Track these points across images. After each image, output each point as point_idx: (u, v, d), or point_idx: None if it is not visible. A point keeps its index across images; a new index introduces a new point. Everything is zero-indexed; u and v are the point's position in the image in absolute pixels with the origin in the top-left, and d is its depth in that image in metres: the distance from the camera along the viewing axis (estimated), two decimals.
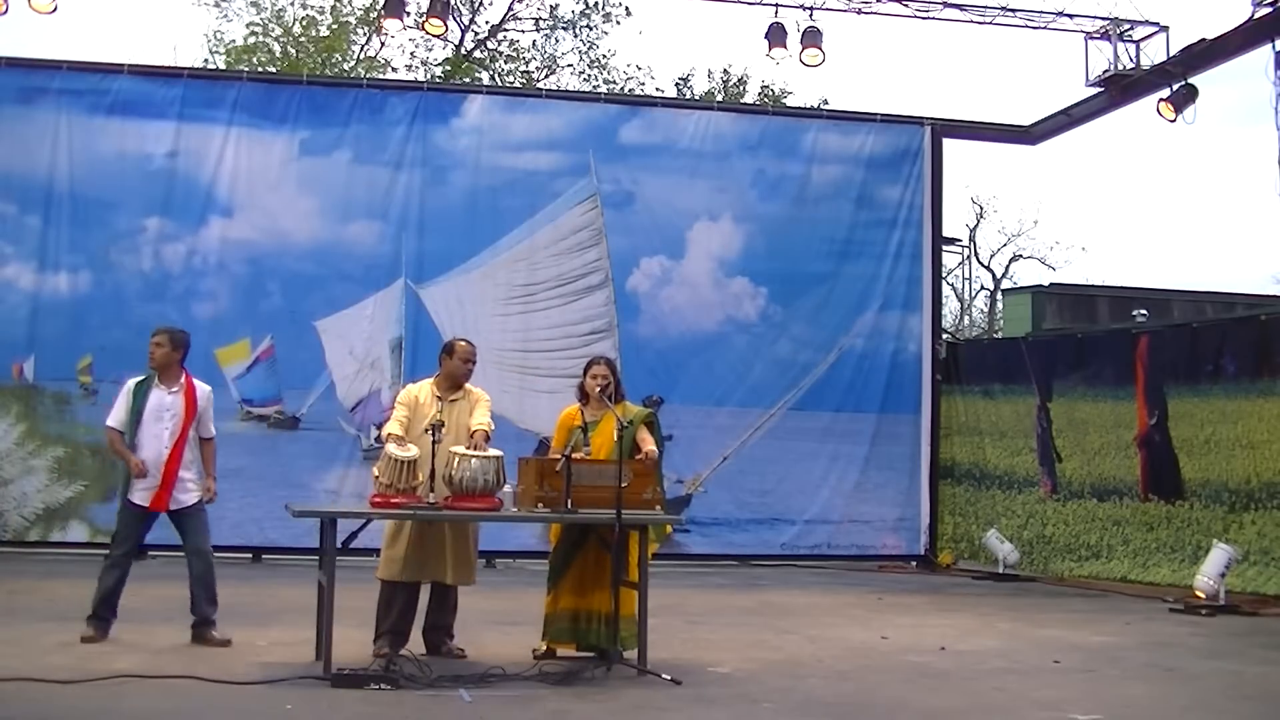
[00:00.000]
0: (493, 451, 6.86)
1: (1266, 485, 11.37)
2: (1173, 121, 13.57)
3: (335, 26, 24.29)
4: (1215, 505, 11.78)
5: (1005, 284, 35.47)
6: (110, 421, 7.58)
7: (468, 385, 7.42)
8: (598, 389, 7.26)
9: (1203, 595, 10.43)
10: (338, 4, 24.29)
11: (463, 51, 25.87)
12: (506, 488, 6.92)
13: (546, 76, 26.25)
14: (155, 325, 12.55)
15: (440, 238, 13.52)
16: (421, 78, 23.52)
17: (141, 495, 7.46)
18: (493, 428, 7.19)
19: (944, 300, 16.54)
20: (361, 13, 24.30)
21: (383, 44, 24.76)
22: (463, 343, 7.52)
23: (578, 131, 14.05)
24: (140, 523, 7.55)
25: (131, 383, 7.60)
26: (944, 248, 16.47)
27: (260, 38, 24.12)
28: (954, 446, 14.60)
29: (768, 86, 28.32)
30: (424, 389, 7.39)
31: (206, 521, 7.69)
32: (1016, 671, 7.36)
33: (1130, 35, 13.87)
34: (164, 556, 12.47)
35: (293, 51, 23.84)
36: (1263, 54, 12.53)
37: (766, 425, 14.00)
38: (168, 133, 13.05)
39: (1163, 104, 13.60)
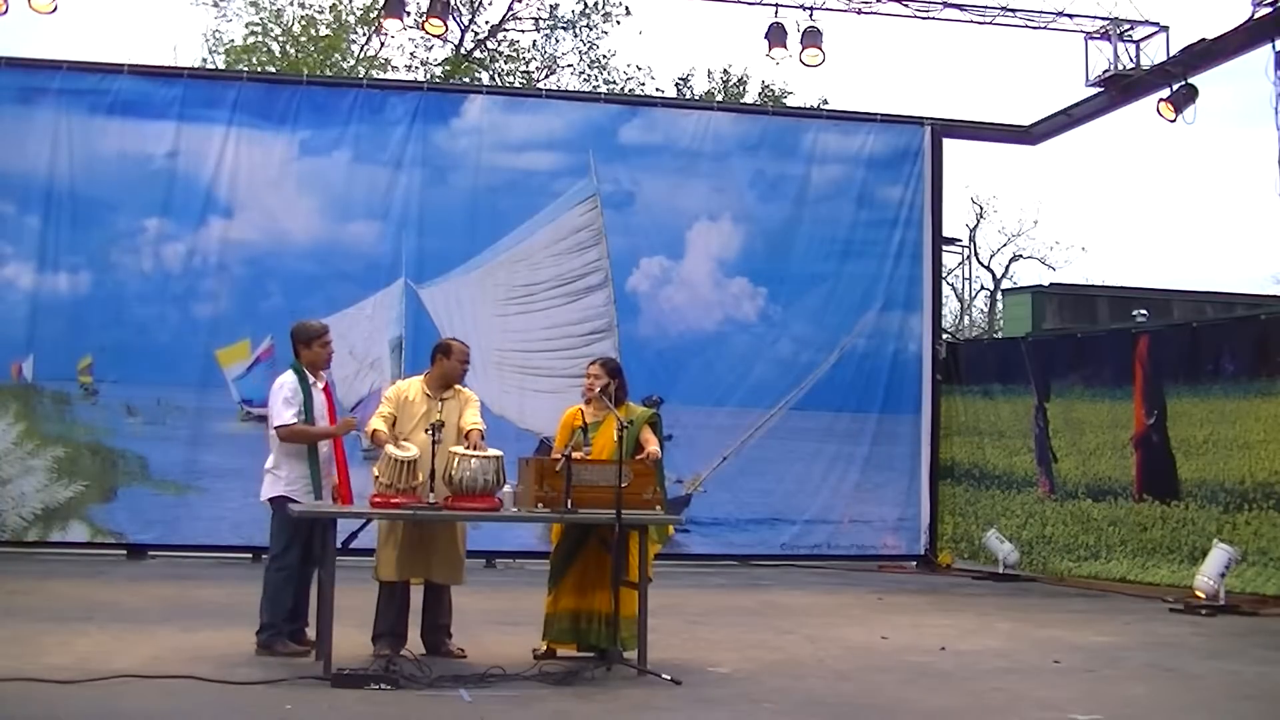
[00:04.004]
0: (492, 451, 6.87)
1: (1261, 485, 11.35)
2: (1173, 121, 13.56)
3: (335, 26, 24.29)
4: (1211, 506, 11.76)
5: (1005, 284, 35.49)
6: (290, 419, 7.20)
7: (456, 385, 7.43)
8: (597, 389, 7.26)
9: (1203, 595, 10.42)
10: (338, 4, 24.32)
11: (463, 51, 25.87)
12: (506, 488, 6.92)
13: (546, 76, 26.26)
14: (153, 325, 12.83)
15: (440, 238, 13.52)
16: (421, 78, 23.53)
17: (300, 494, 7.17)
18: (484, 427, 7.22)
19: (944, 300, 16.53)
20: (361, 13, 24.33)
21: (383, 44, 24.80)
22: (458, 343, 7.54)
23: (578, 131, 14.05)
24: (305, 523, 7.01)
25: (293, 379, 7.31)
26: (944, 248, 16.46)
27: (260, 38, 24.12)
28: (954, 446, 14.59)
29: (768, 86, 28.32)
30: (414, 387, 7.39)
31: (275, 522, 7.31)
32: (1016, 671, 7.36)
33: (1130, 35, 13.86)
34: (164, 557, 12.55)
35: (292, 51, 23.84)
36: (1263, 54, 12.54)
37: (767, 425, 14.00)
38: (168, 133, 13.04)
39: (1163, 104, 13.59)
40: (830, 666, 7.38)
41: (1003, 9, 13.74)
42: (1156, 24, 13.77)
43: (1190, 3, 16.77)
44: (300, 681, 6.25)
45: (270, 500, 7.25)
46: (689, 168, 14.19)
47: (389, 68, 24.76)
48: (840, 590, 11.88)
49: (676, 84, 29.05)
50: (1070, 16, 13.80)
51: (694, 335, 14.06)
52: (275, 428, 7.25)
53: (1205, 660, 7.97)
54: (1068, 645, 8.37)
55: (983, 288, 36.36)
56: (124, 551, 12.57)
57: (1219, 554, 10.50)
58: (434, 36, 16.88)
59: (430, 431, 6.76)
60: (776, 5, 13.45)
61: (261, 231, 13.23)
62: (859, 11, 13.66)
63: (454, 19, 23.21)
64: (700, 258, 14.13)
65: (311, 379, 7.41)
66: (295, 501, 7.10)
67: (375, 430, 7.12)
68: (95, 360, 12.73)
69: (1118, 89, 14.19)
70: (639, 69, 27.20)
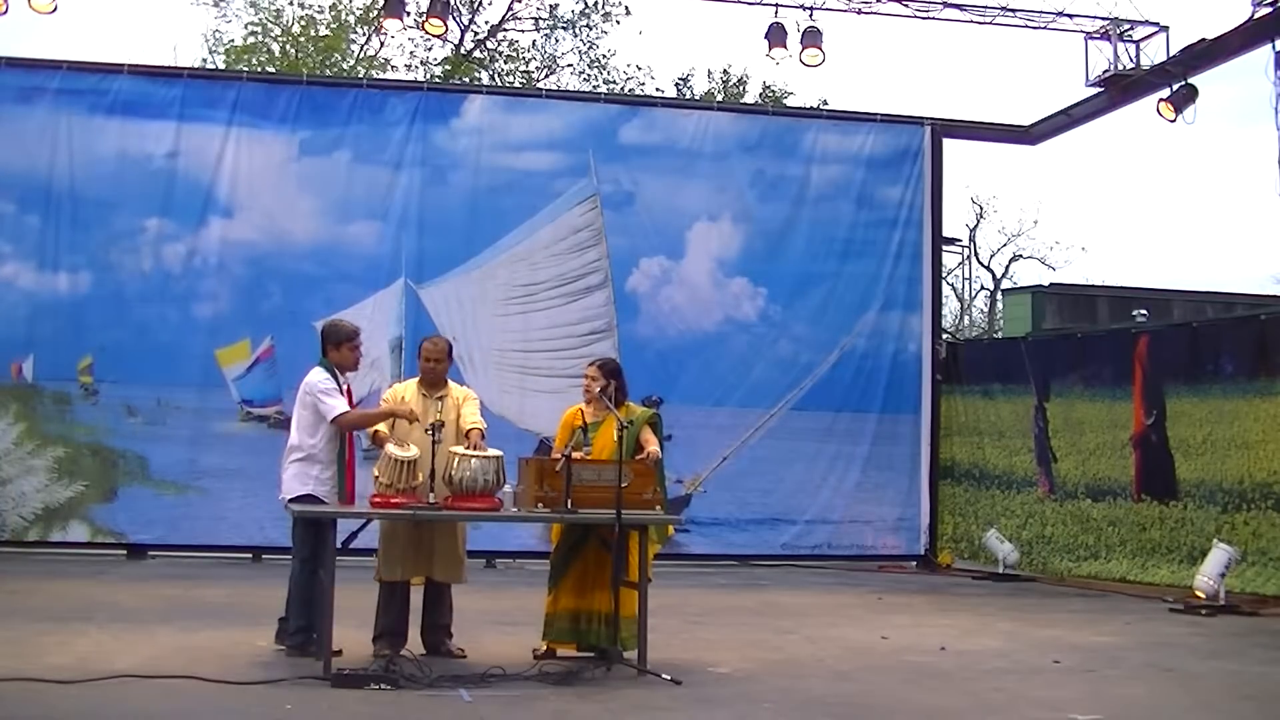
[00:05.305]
0: (492, 451, 6.87)
1: (1260, 486, 11.34)
2: (1173, 121, 13.56)
3: (335, 26, 24.29)
4: (1209, 506, 11.75)
5: (1005, 284, 35.46)
6: (346, 406, 7.20)
7: (451, 383, 7.42)
8: (597, 389, 7.26)
9: (1202, 595, 10.42)
10: (338, 4, 24.32)
11: (462, 51, 25.87)
12: (506, 487, 6.93)
13: (546, 76, 26.27)
14: (154, 325, 12.83)
15: (440, 238, 13.51)
16: (421, 78, 23.53)
17: (327, 495, 7.11)
18: (485, 425, 7.21)
19: (944, 300, 16.53)
20: (361, 13, 24.34)
21: (382, 44, 24.81)
22: (427, 341, 7.52)
23: (577, 131, 14.04)
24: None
25: (324, 373, 7.23)
26: (944, 248, 16.46)
27: (260, 38, 24.13)
28: (954, 446, 14.59)
29: (768, 86, 28.32)
30: (409, 388, 7.41)
31: (297, 525, 7.20)
32: (1016, 671, 7.37)
33: (1130, 35, 13.86)
34: (164, 557, 12.55)
35: (292, 51, 23.84)
36: (1263, 54, 12.54)
37: (767, 425, 14.00)
38: (168, 133, 13.03)
39: (1163, 104, 13.58)
40: (830, 666, 7.38)
41: (1003, 9, 13.74)
42: (1156, 24, 13.77)
43: (1190, 3, 16.79)
44: (300, 681, 6.25)
45: (296, 499, 7.05)
46: (689, 168, 14.19)
47: (389, 68, 24.82)
48: (840, 590, 11.88)
49: (676, 84, 29.10)
50: (1070, 16, 13.80)
51: (694, 335, 14.06)
52: (335, 417, 7.06)
53: (1205, 660, 7.97)
54: (1068, 645, 8.37)
55: (983, 288, 36.39)
56: (124, 551, 12.56)
57: (1219, 554, 10.50)
58: (434, 36, 16.87)
59: (430, 431, 6.77)
60: (776, 5, 13.44)
61: (261, 231, 13.22)
62: (859, 11, 13.65)
63: (454, 19, 23.21)
64: (700, 258, 14.13)
65: (340, 379, 7.33)
66: (321, 501, 7.04)
67: (376, 430, 7.14)
68: (95, 360, 12.72)
69: (1118, 89, 14.18)
70: (639, 69, 27.23)
